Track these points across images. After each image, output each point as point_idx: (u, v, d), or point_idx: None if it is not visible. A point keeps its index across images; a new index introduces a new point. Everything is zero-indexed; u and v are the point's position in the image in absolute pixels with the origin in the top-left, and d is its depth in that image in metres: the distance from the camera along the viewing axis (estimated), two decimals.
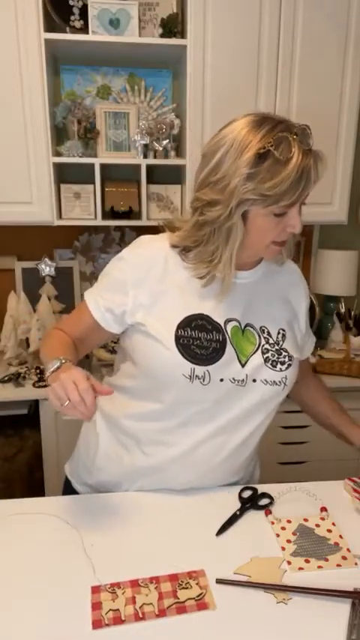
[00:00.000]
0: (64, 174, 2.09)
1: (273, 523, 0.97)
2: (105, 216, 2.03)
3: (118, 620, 0.75)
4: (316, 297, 2.34)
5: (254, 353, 1.00)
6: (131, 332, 1.03)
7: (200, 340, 0.97)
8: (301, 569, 0.86)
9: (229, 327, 1.00)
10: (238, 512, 1.00)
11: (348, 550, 0.91)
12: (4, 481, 1.97)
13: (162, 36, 1.88)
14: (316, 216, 2.12)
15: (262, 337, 1.02)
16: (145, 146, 1.98)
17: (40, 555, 0.88)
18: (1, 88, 1.80)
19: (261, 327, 1.02)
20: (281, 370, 1.01)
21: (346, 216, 2.13)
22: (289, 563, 0.87)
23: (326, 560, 0.88)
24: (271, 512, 1.00)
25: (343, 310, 2.35)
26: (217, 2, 1.82)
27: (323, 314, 2.40)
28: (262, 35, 1.87)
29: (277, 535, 0.94)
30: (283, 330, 1.04)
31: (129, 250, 1.03)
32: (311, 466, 2.15)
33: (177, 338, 0.96)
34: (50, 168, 1.90)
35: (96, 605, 0.78)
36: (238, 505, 1.02)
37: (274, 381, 1.00)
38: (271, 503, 1.03)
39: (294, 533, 0.94)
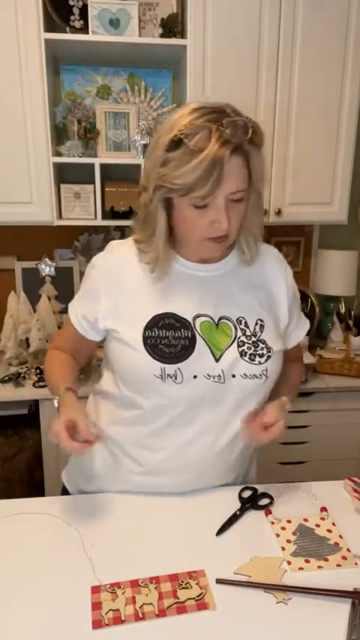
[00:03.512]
0: (64, 174, 2.09)
1: (273, 523, 0.97)
2: (105, 216, 2.03)
3: (118, 620, 0.75)
4: (316, 297, 2.34)
5: (229, 346, 0.98)
6: (109, 339, 1.04)
7: (168, 339, 0.96)
8: (301, 569, 0.86)
9: (197, 323, 0.98)
10: (238, 512, 1.00)
11: (348, 550, 0.91)
12: (4, 481, 1.96)
13: (162, 36, 1.88)
14: (316, 216, 2.13)
15: (238, 329, 1.00)
16: (145, 146, 1.98)
17: (40, 555, 0.88)
18: (1, 88, 1.81)
19: (238, 319, 1.00)
20: (260, 363, 0.99)
21: (346, 216, 2.12)
22: (289, 563, 0.87)
23: (326, 560, 0.88)
24: (271, 512, 1.00)
25: (343, 310, 2.35)
26: (217, 2, 1.82)
27: (323, 314, 2.40)
28: (262, 35, 1.87)
29: (277, 535, 0.94)
30: (262, 321, 1.01)
31: (98, 257, 1.06)
32: (311, 466, 2.15)
33: (145, 339, 0.96)
34: (50, 168, 1.90)
35: (96, 605, 0.78)
36: (238, 505, 1.02)
37: (253, 375, 0.98)
38: (271, 503, 1.03)
39: (294, 533, 0.94)
